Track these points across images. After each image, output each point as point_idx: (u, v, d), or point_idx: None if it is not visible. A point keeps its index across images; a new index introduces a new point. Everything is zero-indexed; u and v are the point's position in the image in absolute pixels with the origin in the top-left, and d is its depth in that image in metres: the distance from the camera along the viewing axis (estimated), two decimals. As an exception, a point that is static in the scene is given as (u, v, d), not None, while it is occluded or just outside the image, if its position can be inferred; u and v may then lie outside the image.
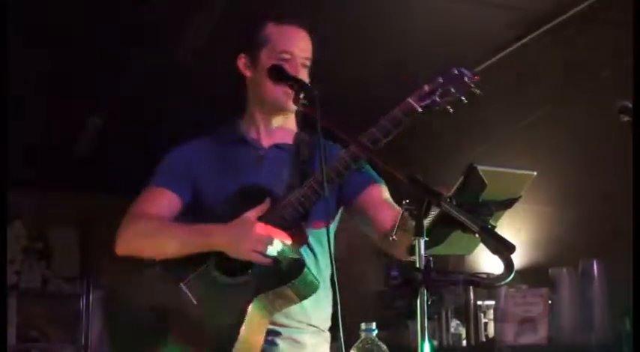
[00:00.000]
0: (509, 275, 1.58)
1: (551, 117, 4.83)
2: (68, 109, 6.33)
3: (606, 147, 3.39)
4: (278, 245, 2.05)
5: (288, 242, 2.08)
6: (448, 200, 1.58)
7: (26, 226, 8.32)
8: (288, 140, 2.36)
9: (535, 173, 1.73)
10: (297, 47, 2.29)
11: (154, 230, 2.22)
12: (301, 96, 2.08)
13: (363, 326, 1.85)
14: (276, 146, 2.34)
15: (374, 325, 1.85)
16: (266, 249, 2.04)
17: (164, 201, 2.29)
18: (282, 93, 2.23)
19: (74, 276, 8.19)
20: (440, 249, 1.74)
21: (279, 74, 2.19)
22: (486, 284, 1.62)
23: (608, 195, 4.02)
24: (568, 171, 4.64)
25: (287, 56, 2.26)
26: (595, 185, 3.52)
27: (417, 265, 1.58)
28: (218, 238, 2.11)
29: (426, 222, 1.63)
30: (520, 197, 1.76)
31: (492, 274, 1.71)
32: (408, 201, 1.63)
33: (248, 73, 2.33)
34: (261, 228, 2.06)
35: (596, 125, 3.11)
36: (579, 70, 4.38)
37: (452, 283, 1.63)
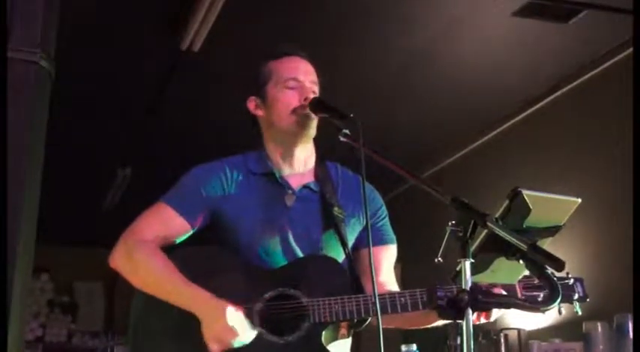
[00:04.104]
0: (555, 300, 1.57)
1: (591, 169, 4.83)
2: (98, 164, 6.45)
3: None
4: (242, 337, 2.04)
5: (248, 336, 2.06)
6: (494, 220, 1.57)
7: (52, 279, 8.36)
8: (314, 176, 2.35)
9: (580, 200, 1.72)
10: (301, 72, 2.31)
11: (144, 267, 2.16)
12: (342, 126, 2.08)
13: (403, 347, 1.83)
14: (306, 187, 2.32)
15: (414, 346, 1.83)
16: (227, 343, 2.02)
17: (170, 224, 2.23)
18: (295, 119, 2.25)
19: (99, 331, 8.19)
20: (483, 277, 1.73)
21: (320, 106, 2.20)
22: (533, 308, 1.59)
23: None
24: (602, 226, 4.60)
25: (293, 83, 2.28)
26: (630, 238, 3.47)
27: (463, 286, 1.57)
28: (196, 309, 2.08)
29: (473, 246, 1.62)
30: (564, 225, 1.74)
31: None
32: (453, 222, 1.62)
33: (260, 113, 2.33)
34: (230, 322, 2.02)
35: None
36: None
37: (497, 305, 1.60)
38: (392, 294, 2.09)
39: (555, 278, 1.57)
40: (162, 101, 5.25)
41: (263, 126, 2.36)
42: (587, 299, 2.16)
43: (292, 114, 2.25)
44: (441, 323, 2.05)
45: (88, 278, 8.13)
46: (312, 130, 2.28)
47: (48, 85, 2.86)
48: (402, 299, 2.06)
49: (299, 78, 2.29)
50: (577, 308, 2.14)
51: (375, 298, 1.84)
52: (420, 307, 2.04)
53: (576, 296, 2.14)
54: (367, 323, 2.14)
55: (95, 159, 6.39)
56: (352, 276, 2.21)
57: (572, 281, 2.03)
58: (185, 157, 3.84)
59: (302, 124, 2.25)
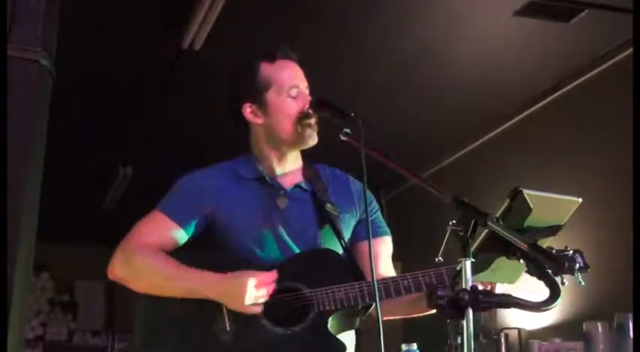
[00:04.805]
0: (556, 299, 1.57)
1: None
2: (99, 163, 6.45)
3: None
4: (264, 285, 2.07)
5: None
6: (495, 219, 1.57)
7: (53, 278, 8.37)
8: (302, 176, 2.37)
9: (581, 199, 1.72)
10: (299, 79, 2.31)
11: (147, 268, 2.17)
12: (343, 125, 2.09)
13: (404, 347, 1.83)
14: (297, 186, 2.34)
15: (415, 346, 1.83)
16: (249, 294, 2.04)
17: (166, 231, 2.23)
18: (305, 131, 2.26)
19: (99, 329, 8.20)
20: (484, 276, 1.73)
21: (321, 105, 2.21)
22: (533, 308, 1.59)
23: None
24: (602, 226, 4.60)
25: (296, 91, 2.27)
26: (630, 237, 3.47)
27: (464, 286, 1.57)
28: (211, 291, 2.09)
29: (473, 246, 1.62)
30: (564, 224, 1.74)
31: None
32: (454, 222, 1.62)
33: (258, 120, 2.31)
34: (252, 282, 2.05)
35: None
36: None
37: (498, 305, 1.60)
38: (394, 278, 2.12)
39: (555, 279, 1.56)
40: (162, 100, 5.25)
41: (260, 133, 2.34)
42: (589, 269, 2.13)
43: (297, 124, 2.25)
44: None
45: (89, 277, 8.12)
46: (316, 139, 2.29)
47: (49, 84, 2.86)
48: (405, 281, 2.08)
49: (300, 85, 2.30)
50: (579, 278, 2.13)
51: (375, 294, 1.83)
52: (424, 288, 2.06)
53: (577, 267, 2.13)
54: (371, 309, 2.15)
55: (96, 157, 6.39)
56: (352, 266, 2.23)
57: (571, 252, 2.03)
58: (186, 156, 3.85)
59: (307, 135, 2.27)
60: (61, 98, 3.17)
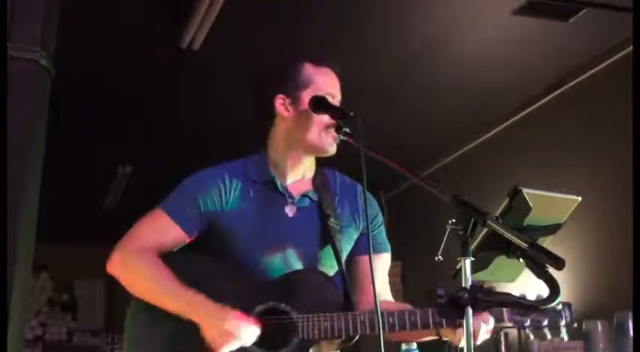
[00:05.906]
0: (556, 298, 1.57)
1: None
2: (98, 162, 6.46)
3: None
4: (245, 339, 2.05)
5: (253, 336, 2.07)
6: (495, 218, 1.58)
7: (52, 278, 8.37)
8: (312, 184, 2.35)
9: (580, 198, 1.73)
10: (336, 89, 2.31)
11: (142, 277, 2.16)
12: (343, 125, 2.10)
13: (403, 346, 1.83)
14: (305, 195, 2.32)
15: (414, 345, 1.83)
16: (228, 344, 2.03)
17: (167, 232, 2.22)
18: (327, 138, 2.24)
19: (99, 329, 8.19)
20: (484, 275, 1.74)
21: (322, 104, 2.20)
22: (533, 306, 1.60)
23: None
24: (602, 225, 4.60)
25: (330, 99, 2.26)
26: (630, 237, 3.48)
27: (464, 285, 1.57)
28: (195, 315, 2.08)
29: (473, 245, 1.63)
30: (564, 223, 1.75)
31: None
32: (453, 220, 1.63)
33: (287, 114, 2.28)
34: (234, 323, 2.04)
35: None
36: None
37: (498, 304, 1.61)
38: (381, 313, 2.06)
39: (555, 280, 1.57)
40: (162, 100, 5.25)
41: (282, 130, 2.31)
42: (575, 325, 2.11)
43: (322, 130, 2.24)
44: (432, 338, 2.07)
45: (89, 277, 8.11)
46: (334, 150, 2.28)
47: (48, 83, 2.86)
48: (390, 319, 2.05)
49: (336, 95, 2.29)
50: (563, 334, 2.11)
51: (375, 298, 1.83)
52: (407, 328, 2.03)
53: (563, 322, 2.09)
54: (354, 340, 2.14)
55: (95, 157, 6.39)
56: (344, 292, 2.21)
57: (560, 306, 2.01)
58: (185, 156, 3.85)
59: (328, 143, 2.25)
60: (60, 98, 3.17)
